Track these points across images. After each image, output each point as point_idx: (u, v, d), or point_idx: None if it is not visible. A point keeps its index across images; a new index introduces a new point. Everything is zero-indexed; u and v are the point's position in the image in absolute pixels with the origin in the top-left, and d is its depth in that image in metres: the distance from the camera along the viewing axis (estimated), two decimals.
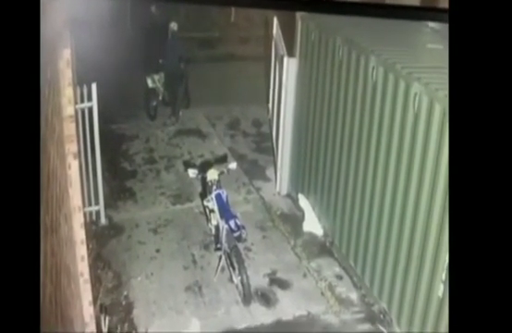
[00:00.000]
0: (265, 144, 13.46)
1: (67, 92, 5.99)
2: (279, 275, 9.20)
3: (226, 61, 18.57)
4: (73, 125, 6.10)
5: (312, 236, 10.14)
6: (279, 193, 11.58)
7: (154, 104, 14.66)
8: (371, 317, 8.32)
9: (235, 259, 8.67)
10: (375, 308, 8.41)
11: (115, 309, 8.38)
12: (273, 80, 13.01)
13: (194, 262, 9.47)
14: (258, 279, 8.98)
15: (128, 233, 10.22)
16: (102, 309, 8.05)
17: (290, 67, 10.67)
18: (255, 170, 12.47)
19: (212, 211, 9.39)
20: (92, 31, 14.62)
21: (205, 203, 9.74)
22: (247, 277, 8.40)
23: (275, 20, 12.60)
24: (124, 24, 19.74)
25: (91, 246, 8.66)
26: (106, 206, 10.46)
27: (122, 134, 13.90)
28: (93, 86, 9.17)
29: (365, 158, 8.39)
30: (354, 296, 8.78)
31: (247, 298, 8.48)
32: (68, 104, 5.99)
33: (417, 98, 7.06)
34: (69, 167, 6.01)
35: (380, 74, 7.88)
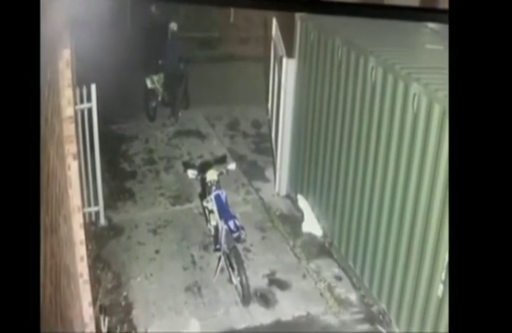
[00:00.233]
0: (264, 145, 13.47)
1: (67, 92, 6.00)
2: (278, 275, 9.21)
3: (226, 62, 18.57)
4: (73, 126, 6.11)
5: (312, 236, 10.15)
6: (278, 194, 11.58)
7: (154, 104, 14.66)
8: (371, 318, 8.33)
9: (234, 260, 8.68)
10: (374, 309, 8.42)
11: (115, 309, 8.38)
12: (272, 81, 13.02)
13: (193, 262, 9.48)
14: (257, 280, 8.99)
15: (127, 234, 10.22)
16: (101, 309, 8.04)
17: (289, 67, 10.68)
18: (254, 171, 12.47)
19: (211, 212, 9.39)
20: (92, 32, 14.56)
21: (204, 203, 9.75)
22: (246, 277, 8.41)
23: (275, 21, 12.60)
24: (124, 24, 19.74)
25: (90, 247, 8.66)
26: (106, 207, 10.46)
27: (121, 135, 13.90)
28: (93, 87, 9.17)
29: (364, 159, 8.40)
30: (353, 297, 8.78)
31: (246, 298, 8.48)
32: (68, 104, 5.99)
33: (416, 98, 7.07)
34: (69, 168, 6.01)
35: (379, 74, 7.88)
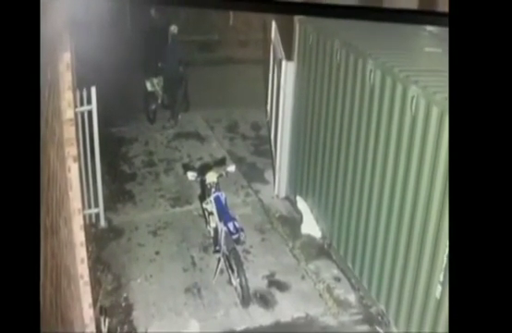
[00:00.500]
0: (264, 147, 13.49)
1: (67, 95, 6.03)
2: (278, 277, 9.22)
3: (225, 64, 18.59)
4: (73, 128, 6.13)
5: (311, 238, 10.16)
6: (277, 196, 11.60)
7: (153, 107, 14.68)
8: (369, 319, 8.34)
9: (233, 261, 8.69)
10: (373, 310, 8.43)
11: (115, 311, 8.40)
12: (271, 84, 13.04)
13: (193, 264, 9.50)
14: (256, 281, 9.00)
15: (127, 235, 10.24)
16: (101, 311, 8.06)
17: (288, 70, 10.70)
18: (254, 173, 12.49)
19: (210, 213, 9.41)
20: (92, 34, 14.61)
21: (204, 205, 9.77)
22: (245, 279, 8.43)
23: (274, 24, 12.62)
24: (123, 27, 19.76)
25: (90, 248, 8.68)
26: (106, 209, 10.47)
27: (121, 137, 13.92)
28: (93, 89, 9.19)
29: (363, 161, 8.42)
30: (352, 298, 8.80)
31: (245, 300, 8.50)
32: (68, 107, 6.02)
33: (414, 101, 7.09)
34: (69, 170, 6.04)
35: (377, 77, 7.91)
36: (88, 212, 9.78)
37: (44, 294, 3.14)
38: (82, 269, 6.45)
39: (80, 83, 9.09)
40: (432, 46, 8.66)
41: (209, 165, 12.45)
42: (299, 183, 10.85)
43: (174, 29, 14.22)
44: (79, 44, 8.68)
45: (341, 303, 8.69)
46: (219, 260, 9.12)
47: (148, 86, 14.44)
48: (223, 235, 8.82)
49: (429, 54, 8.66)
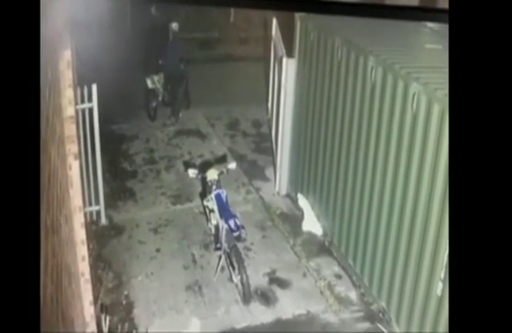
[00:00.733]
0: (265, 145, 13.49)
1: (68, 93, 6.03)
2: (279, 274, 9.23)
3: (226, 62, 18.59)
4: (74, 126, 6.14)
5: (312, 235, 10.17)
6: (278, 193, 11.60)
7: (154, 104, 14.68)
8: (371, 316, 8.35)
9: (234, 258, 8.70)
10: (374, 307, 8.44)
11: (116, 309, 8.40)
12: (272, 81, 13.03)
13: (194, 261, 9.50)
14: (257, 279, 9.01)
15: (128, 233, 10.24)
16: (102, 309, 8.07)
17: (289, 67, 10.69)
18: (255, 170, 12.50)
19: (211, 211, 9.41)
20: (93, 32, 14.64)
21: (205, 202, 9.77)
22: (246, 276, 8.43)
23: (274, 21, 12.61)
24: (124, 25, 19.76)
25: (91, 246, 8.68)
26: (107, 206, 10.47)
27: (122, 135, 13.92)
28: (94, 87, 9.19)
29: (364, 158, 8.42)
30: (353, 295, 8.80)
31: (246, 297, 8.51)
32: (69, 104, 6.02)
33: (415, 98, 7.08)
34: (70, 168, 6.04)
35: (379, 74, 7.90)
36: (89, 209, 9.79)
37: (45, 292, 3.14)
38: (83, 267, 6.46)
39: (81, 81, 9.09)
40: (433, 43, 8.66)
41: (210, 162, 12.46)
42: (300, 180, 10.85)
43: (175, 26, 14.22)
44: (80, 42, 8.69)
45: (342, 301, 8.69)
46: (220, 257, 9.12)
47: (148, 83, 14.45)
48: (224, 232, 8.82)
49: (430, 50, 8.67)
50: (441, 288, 6.87)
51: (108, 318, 7.95)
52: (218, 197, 9.27)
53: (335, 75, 9.13)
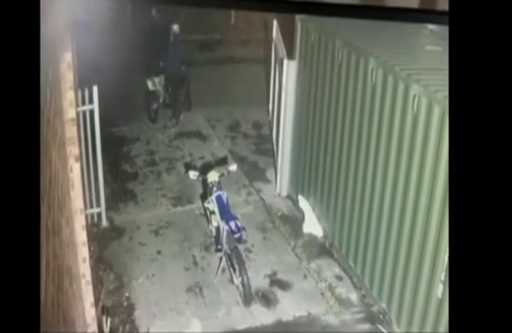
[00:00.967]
0: (265, 146, 13.49)
1: (69, 94, 6.03)
2: (279, 276, 9.23)
3: (226, 63, 18.58)
4: (74, 128, 6.14)
5: (312, 237, 10.17)
6: (279, 195, 11.60)
7: (155, 106, 14.68)
8: (371, 318, 8.35)
9: (235, 260, 8.70)
10: (375, 308, 8.44)
11: (117, 310, 8.41)
12: (273, 83, 13.04)
13: (195, 263, 9.51)
14: (258, 280, 9.01)
15: (129, 235, 10.25)
16: (103, 310, 8.07)
17: (290, 69, 10.70)
18: (255, 172, 12.50)
19: (212, 212, 9.41)
20: (93, 34, 14.63)
21: (206, 204, 9.77)
22: (247, 278, 8.43)
23: (275, 23, 12.62)
24: (124, 27, 19.75)
25: (92, 248, 8.69)
26: (108, 208, 10.48)
27: (123, 137, 13.93)
28: (94, 89, 9.19)
29: (365, 159, 8.42)
30: (354, 296, 8.81)
31: (247, 299, 8.51)
32: (70, 106, 6.03)
33: (416, 100, 7.09)
34: (71, 170, 6.04)
35: (379, 76, 7.91)
36: (90, 211, 9.79)
37: (46, 294, 3.14)
38: (84, 269, 6.46)
39: (82, 83, 9.10)
40: (434, 45, 8.66)
41: (210, 164, 12.46)
42: (301, 182, 10.86)
43: (176, 28, 14.21)
44: (81, 44, 8.71)
45: (343, 302, 8.70)
46: (221, 259, 9.12)
47: (149, 85, 14.45)
48: (224, 234, 8.83)
49: (430, 52, 8.67)
50: (441, 289, 6.87)
51: (109, 320, 7.95)
52: (219, 199, 9.28)
53: (336, 77, 9.14)
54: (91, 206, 10.02)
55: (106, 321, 7.85)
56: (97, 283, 8.21)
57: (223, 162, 12.47)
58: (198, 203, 11.16)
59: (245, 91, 15.39)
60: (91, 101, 9.28)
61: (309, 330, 8.26)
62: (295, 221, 10.67)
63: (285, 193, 11.57)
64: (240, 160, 12.77)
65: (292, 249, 9.93)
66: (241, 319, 8.35)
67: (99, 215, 10.31)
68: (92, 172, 9.83)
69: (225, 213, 9.03)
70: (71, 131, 6.02)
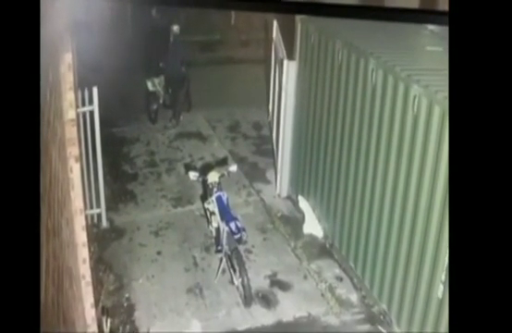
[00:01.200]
0: (265, 147, 13.48)
1: (69, 95, 6.03)
2: (280, 276, 9.23)
3: (226, 64, 18.58)
4: (74, 128, 6.14)
5: (313, 238, 10.17)
6: (279, 195, 11.60)
7: (155, 107, 14.67)
8: (371, 318, 8.34)
9: (235, 261, 8.70)
10: (375, 309, 8.43)
11: (117, 311, 8.40)
12: (273, 83, 13.04)
13: (195, 264, 9.50)
14: (258, 281, 9.01)
15: (129, 236, 10.24)
16: (103, 311, 8.07)
17: (290, 69, 10.69)
18: (255, 173, 12.49)
19: (212, 213, 9.41)
20: (93, 35, 14.64)
21: (206, 205, 9.76)
22: (247, 278, 8.43)
23: (275, 24, 12.62)
24: (125, 28, 19.75)
25: (92, 249, 8.68)
26: (108, 209, 10.47)
27: (123, 137, 13.92)
28: (94, 90, 9.19)
29: (365, 160, 8.42)
30: (354, 297, 8.80)
31: (247, 300, 8.50)
32: (70, 107, 6.02)
33: (416, 100, 7.09)
34: (71, 171, 6.04)
35: (379, 76, 7.90)
36: (90, 212, 9.78)
37: (46, 294, 3.14)
38: (84, 269, 6.45)
39: (82, 84, 9.10)
40: (434, 45, 8.65)
41: (211, 164, 12.45)
42: (301, 183, 10.85)
43: (176, 29, 14.21)
44: (81, 45, 8.71)
45: (343, 303, 8.69)
46: (221, 260, 9.12)
47: (149, 86, 14.44)
48: (225, 235, 8.82)
49: (430, 52, 8.66)
50: (442, 290, 6.87)
51: (109, 321, 7.95)
52: (219, 200, 9.28)
53: (336, 77, 9.14)
54: (91, 207, 10.02)
55: (106, 322, 7.85)
56: (97, 284, 8.20)
57: (223, 163, 12.46)
58: (198, 203, 11.16)
59: (245, 91, 15.40)
60: (90, 102, 9.28)
61: (309, 331, 8.26)
62: (295, 222, 10.66)
63: (285, 194, 11.56)
64: (240, 161, 12.77)
65: (292, 250, 9.93)
66: (241, 320, 8.34)
67: (99, 215, 10.31)
68: (92, 173, 9.83)
69: (226, 213, 9.03)
70: (71, 132, 6.02)
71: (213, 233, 9.51)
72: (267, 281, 9.11)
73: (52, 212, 3.90)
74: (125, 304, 8.57)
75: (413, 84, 7.16)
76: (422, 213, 7.14)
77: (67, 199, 5.47)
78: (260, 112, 14.85)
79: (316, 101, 9.95)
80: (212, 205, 9.39)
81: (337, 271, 9.35)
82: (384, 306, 8.22)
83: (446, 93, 6.50)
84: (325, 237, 10.02)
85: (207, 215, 10.01)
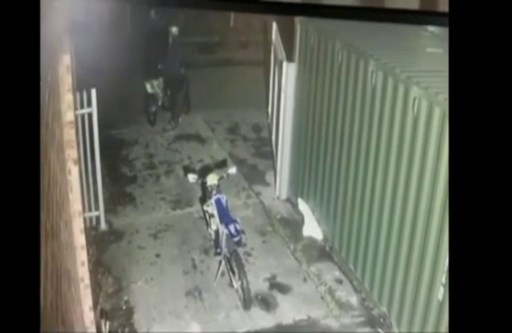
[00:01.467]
0: (265, 149, 13.47)
1: (67, 97, 6.01)
2: (279, 279, 9.20)
3: (226, 66, 18.59)
4: (73, 131, 6.12)
5: (312, 240, 10.14)
6: (279, 198, 11.58)
7: (154, 109, 14.67)
8: (371, 321, 8.32)
9: (235, 264, 8.67)
10: (375, 312, 8.41)
11: (116, 314, 8.38)
12: (272, 85, 13.03)
13: (194, 266, 9.47)
14: (258, 284, 8.98)
15: (127, 238, 10.22)
16: (102, 314, 8.04)
17: (289, 71, 10.68)
18: (255, 175, 12.48)
19: (211, 216, 9.38)
20: (92, 36, 14.62)
21: (205, 207, 9.74)
22: (247, 281, 8.40)
23: (274, 25, 12.61)
24: (123, 29, 19.76)
25: (91, 251, 8.65)
26: (106, 212, 10.45)
27: (122, 139, 13.91)
28: (93, 92, 9.17)
29: (365, 162, 8.40)
30: (354, 300, 8.77)
31: (247, 302, 8.48)
32: (68, 109, 6.00)
33: (416, 102, 7.07)
34: (69, 173, 6.02)
35: (379, 78, 7.89)
36: (88, 215, 9.75)
37: (45, 297, 3.12)
38: (83, 272, 6.43)
39: (80, 85, 9.07)
40: (434, 47, 8.65)
41: (210, 167, 12.44)
42: (301, 185, 10.83)
43: (175, 30, 14.21)
44: (79, 46, 8.67)
45: (343, 306, 8.66)
46: (220, 262, 9.10)
47: (148, 88, 14.43)
48: (224, 237, 8.80)
49: (430, 54, 8.65)
50: (442, 292, 6.84)
51: (108, 323, 7.93)
52: (218, 202, 9.25)
53: (336, 79, 9.12)
54: (90, 209, 10.00)
55: (105, 325, 7.83)
56: (96, 286, 8.18)
57: (222, 165, 12.45)
58: (197, 206, 11.14)
59: (244, 93, 15.40)
60: (89, 104, 9.26)
61: None
62: (294, 224, 10.64)
63: (284, 196, 11.55)
64: (240, 163, 12.75)
65: (292, 252, 9.91)
66: (241, 323, 8.32)
67: (97, 218, 10.29)
68: (91, 175, 9.80)
69: (225, 216, 9.01)
70: (69, 134, 6.00)
71: (213, 236, 9.48)
72: (266, 284, 9.09)
73: (50, 214, 3.87)
74: (123, 307, 8.55)
75: (413, 86, 7.14)
76: (423, 214, 7.12)
77: (65, 201, 5.45)
78: (259, 114, 14.84)
79: (316, 103, 9.94)
80: (211, 208, 9.36)
81: (337, 274, 9.33)
82: (384, 309, 8.20)
83: (447, 95, 6.48)
84: (325, 239, 10.00)
85: (206, 218, 9.98)
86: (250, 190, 11.88)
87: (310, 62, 10.02)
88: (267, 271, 9.35)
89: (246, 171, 12.52)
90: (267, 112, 14.22)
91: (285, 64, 10.75)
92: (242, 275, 8.46)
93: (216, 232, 9.17)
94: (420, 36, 9.55)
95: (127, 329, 8.14)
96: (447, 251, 6.63)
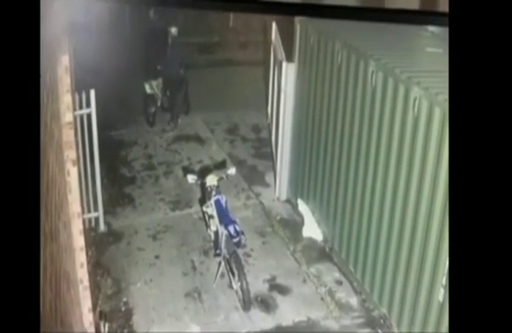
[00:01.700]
0: (264, 150, 13.46)
1: (66, 98, 5.99)
2: (279, 280, 9.18)
3: (225, 66, 18.59)
4: (72, 131, 6.09)
5: (312, 241, 10.13)
6: (278, 199, 11.56)
7: (153, 110, 14.66)
8: (372, 322, 8.30)
9: (234, 265, 8.65)
10: (375, 313, 8.39)
11: (115, 315, 8.36)
12: (272, 86, 13.02)
13: (193, 268, 9.46)
14: (257, 285, 8.96)
15: (127, 239, 10.20)
16: (101, 315, 8.02)
17: (289, 71, 10.67)
18: (254, 176, 12.46)
19: (211, 217, 9.37)
20: (91, 37, 14.62)
21: (204, 208, 9.73)
22: (246, 282, 8.38)
23: (274, 25, 12.60)
24: (122, 30, 19.75)
25: (90, 253, 8.62)
26: (105, 213, 10.44)
27: (121, 140, 13.89)
28: (92, 92, 9.16)
29: (364, 163, 8.39)
30: (354, 301, 8.76)
31: (246, 304, 8.46)
32: (67, 110, 5.98)
33: (416, 102, 7.05)
34: (68, 174, 6.00)
35: (379, 78, 7.87)
36: (87, 216, 9.73)
37: (44, 298, 3.12)
38: (82, 274, 6.41)
39: (79, 86, 9.04)
40: (434, 47, 8.64)
41: (209, 167, 12.42)
42: (300, 186, 10.82)
43: (174, 30, 14.22)
44: (78, 47, 8.64)
45: (343, 307, 8.64)
46: (220, 264, 9.08)
47: (147, 89, 14.43)
48: (223, 238, 8.78)
49: (431, 54, 8.65)
50: (442, 293, 6.83)
51: (107, 325, 7.90)
52: (218, 203, 9.23)
53: (336, 79, 9.11)
54: (89, 211, 9.98)
55: (104, 326, 7.80)
56: (95, 288, 8.15)
57: (221, 166, 12.43)
58: (196, 207, 11.12)
59: (244, 94, 15.40)
60: (88, 104, 9.25)
61: None
62: (294, 225, 10.63)
63: (284, 197, 11.53)
64: (239, 164, 12.73)
65: (291, 253, 9.89)
66: (240, 324, 8.30)
67: (96, 219, 10.27)
68: (90, 176, 9.77)
69: (224, 217, 8.99)
70: (68, 135, 5.97)
71: (212, 237, 9.46)
72: (266, 285, 9.07)
73: (49, 216, 3.86)
74: (123, 309, 8.53)
75: (413, 86, 7.13)
76: (423, 216, 7.11)
77: (64, 202, 5.44)
78: (259, 114, 14.83)
79: (315, 103, 9.93)
80: (210, 209, 9.34)
81: (337, 275, 9.31)
82: (385, 310, 8.18)
83: (447, 95, 6.47)
84: (325, 240, 9.99)
85: (205, 219, 9.97)
86: (250, 190, 11.86)
87: (310, 62, 10.00)
88: (267, 272, 9.33)
89: (245, 172, 12.50)
90: (267, 112, 14.21)
91: (284, 64, 10.73)
92: (242, 276, 8.44)
93: (216, 233, 9.15)
94: (421, 36, 9.54)
95: (126, 331, 8.13)
96: (447, 252, 6.61)
